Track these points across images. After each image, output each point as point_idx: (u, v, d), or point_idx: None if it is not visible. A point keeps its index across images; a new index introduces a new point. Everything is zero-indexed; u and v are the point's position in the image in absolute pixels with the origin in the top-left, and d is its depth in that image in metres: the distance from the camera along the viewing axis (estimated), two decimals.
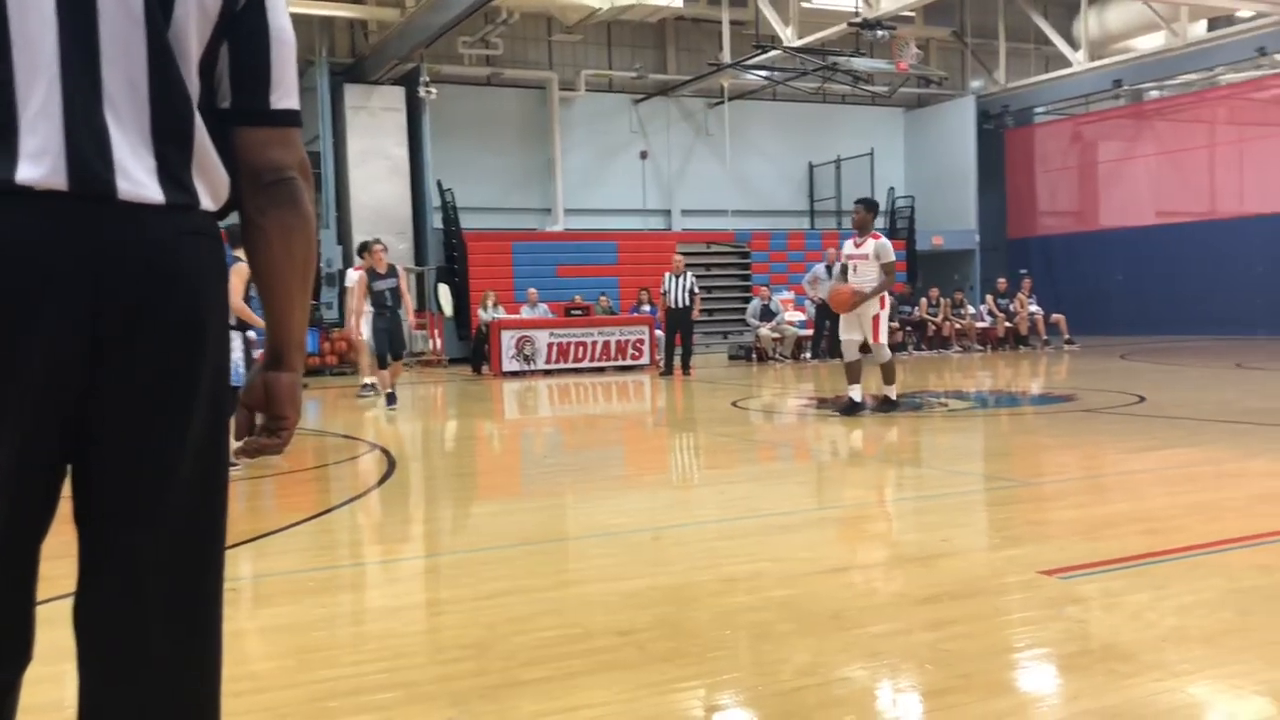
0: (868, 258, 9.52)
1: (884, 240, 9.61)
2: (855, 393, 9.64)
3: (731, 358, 20.32)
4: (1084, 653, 3.20)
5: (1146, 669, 3.06)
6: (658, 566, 4.43)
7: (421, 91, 20.56)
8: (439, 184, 22.24)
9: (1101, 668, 3.07)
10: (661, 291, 16.56)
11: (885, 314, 9.60)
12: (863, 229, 9.63)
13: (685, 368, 16.35)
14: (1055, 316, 20.83)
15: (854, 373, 9.67)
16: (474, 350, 18.55)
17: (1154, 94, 26.20)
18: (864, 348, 9.74)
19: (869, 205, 9.79)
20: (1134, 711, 2.78)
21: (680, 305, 16.20)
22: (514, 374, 17.00)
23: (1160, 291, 23.24)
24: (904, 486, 6.58)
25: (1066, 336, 20.38)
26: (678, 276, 16.30)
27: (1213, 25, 24.01)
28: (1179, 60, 22.99)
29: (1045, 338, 20.60)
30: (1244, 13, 21.44)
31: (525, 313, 18.80)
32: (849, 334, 9.59)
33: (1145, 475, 6.44)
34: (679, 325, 16.43)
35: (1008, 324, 20.77)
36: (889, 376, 9.60)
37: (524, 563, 4.63)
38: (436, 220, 22.05)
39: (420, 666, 3.27)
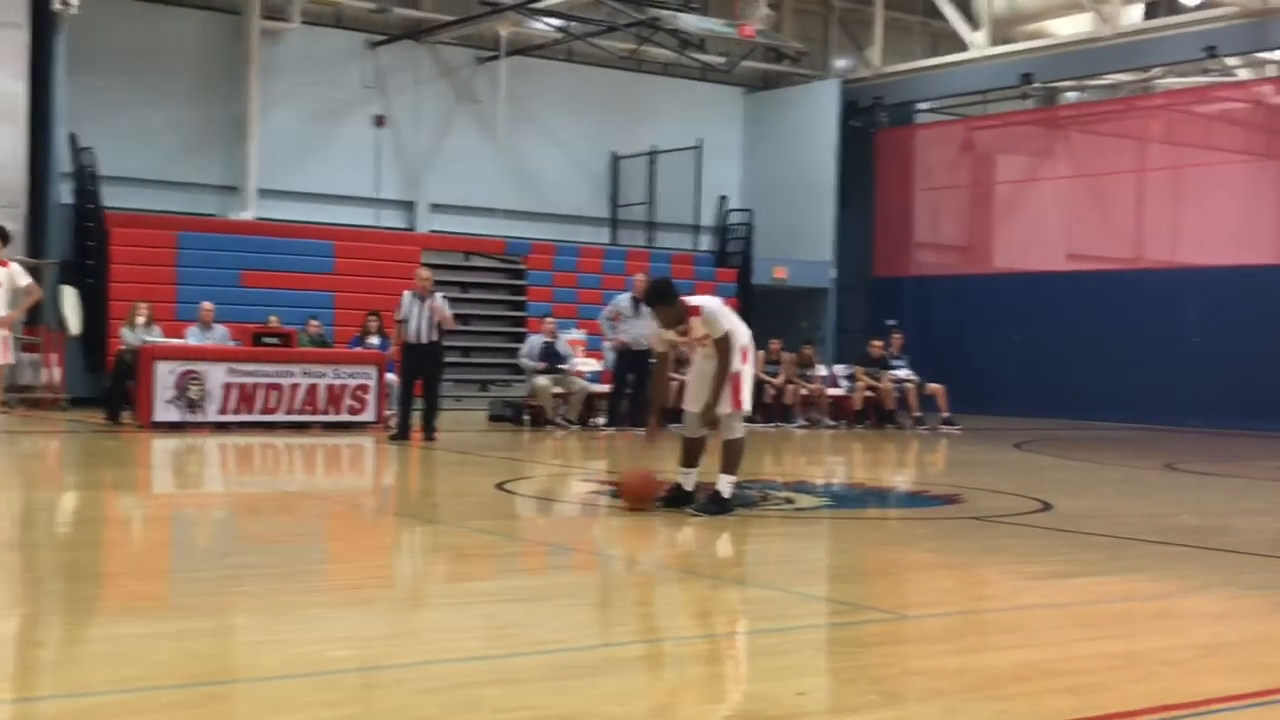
0: (702, 342, 9.57)
1: (707, 307, 9.53)
2: (688, 480, 9.76)
3: (493, 418, 20.29)
4: None
5: None
6: None
7: (56, 2, 19.86)
8: (73, 140, 21.44)
9: None
10: (398, 319, 16.41)
11: (749, 369, 9.64)
12: (680, 321, 9.56)
13: (428, 429, 16.23)
14: (932, 387, 21.78)
15: (692, 453, 9.77)
16: (111, 388, 17.95)
17: (1072, 96, 27.95)
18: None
19: (665, 297, 9.59)
20: None
21: (424, 340, 16.10)
22: (171, 426, 16.48)
23: (1070, 361, 24.64)
24: (740, 614, 6.68)
25: (945, 414, 21.34)
26: (422, 298, 16.20)
27: (1151, 12, 25.88)
28: (1107, 54, 24.63)
29: (917, 414, 21.49)
30: (1190, 1, 23.21)
31: (193, 337, 18.30)
32: (693, 404, 9.67)
33: (1057, 611, 6.73)
34: (421, 368, 16.31)
35: (869, 393, 21.57)
36: (731, 463, 9.67)
37: (204, 711, 4.46)
38: (66, 193, 21.27)
39: None
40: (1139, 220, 25.49)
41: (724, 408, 9.49)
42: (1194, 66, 24.56)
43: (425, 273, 16.73)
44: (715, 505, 9.50)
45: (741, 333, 9.58)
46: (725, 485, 9.55)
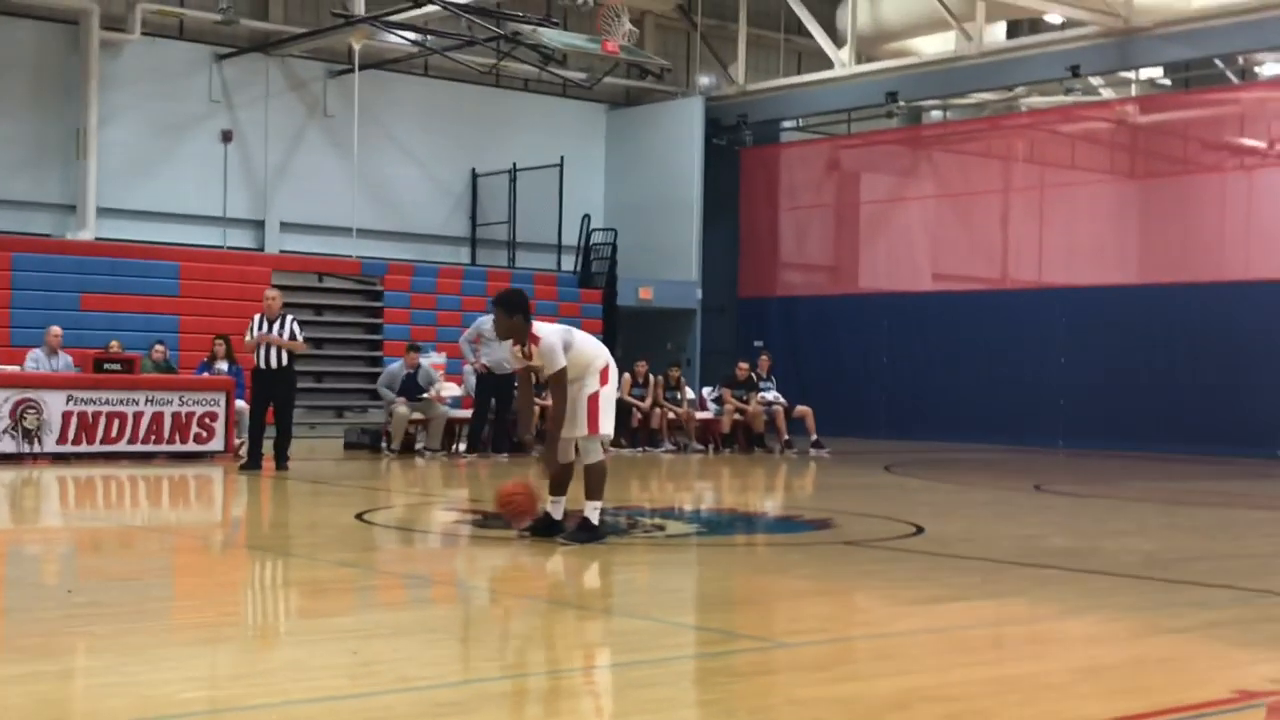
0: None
1: (546, 341, 9.39)
2: (557, 508, 9.73)
3: (349, 445, 20.09)
4: None
5: None
6: None
7: None
8: None
9: None
10: (247, 341, 16.19)
11: (609, 390, 9.62)
12: (515, 337, 9.51)
13: (280, 458, 16.03)
14: (800, 409, 22.02)
15: (561, 480, 9.76)
16: None
17: (937, 115, 28.52)
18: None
19: (509, 305, 9.55)
20: None
21: (274, 365, 15.91)
22: (4, 458, 16.07)
23: (937, 382, 25.10)
24: (613, 645, 6.69)
25: (814, 437, 21.58)
26: (273, 321, 16.01)
27: (1014, 31, 26.53)
28: (971, 73, 25.19)
29: (786, 437, 21.71)
30: (1053, 18, 23.82)
31: (37, 363, 17.86)
32: (571, 430, 9.62)
33: (934, 636, 6.83)
34: (273, 394, 16.11)
35: (737, 416, 21.74)
36: (594, 488, 9.68)
37: None
38: None
39: None
40: (1004, 240, 26.03)
41: (579, 431, 9.52)
42: (1057, 86, 25.20)
43: (274, 294, 16.53)
44: (585, 533, 9.50)
45: (599, 354, 9.62)
46: (593, 512, 9.54)
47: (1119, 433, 22.58)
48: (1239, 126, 23.96)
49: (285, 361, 15.98)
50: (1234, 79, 25.29)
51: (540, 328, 9.51)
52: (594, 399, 9.48)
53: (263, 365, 15.94)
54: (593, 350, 9.62)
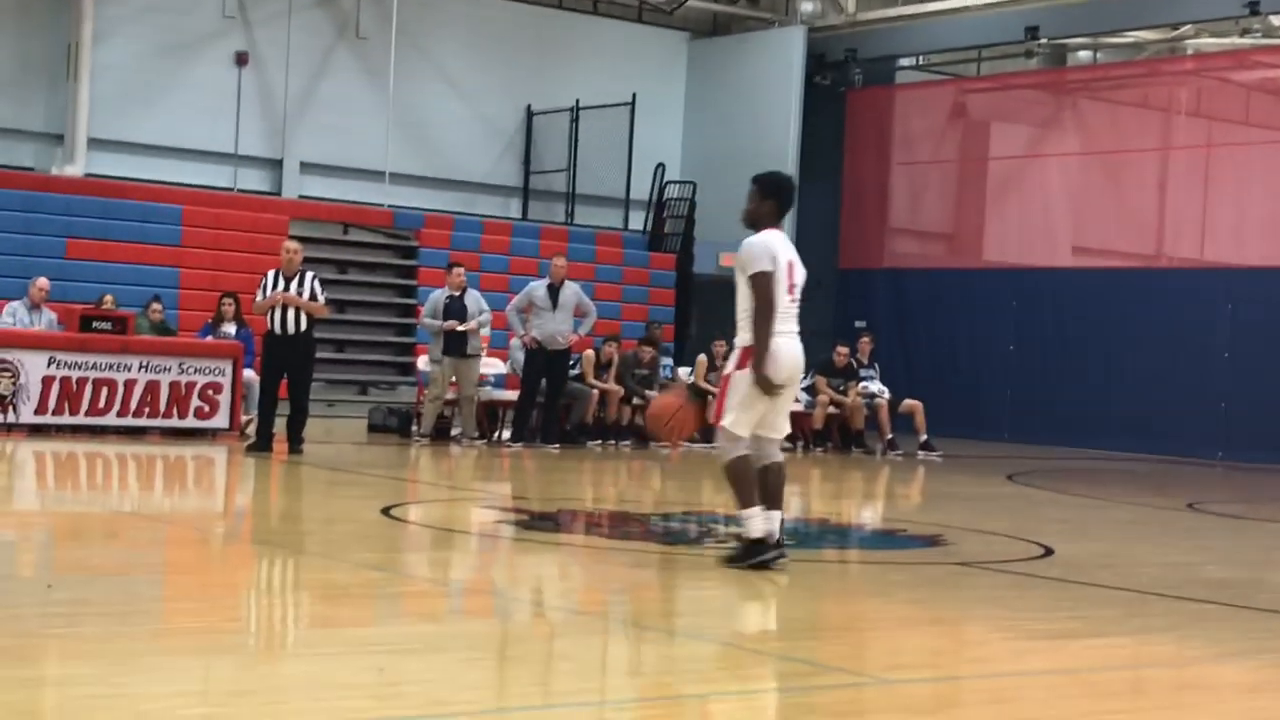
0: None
1: (751, 240, 9.27)
2: (756, 524, 9.16)
3: (374, 427, 20.20)
4: None
5: None
6: None
7: None
8: None
9: None
10: (258, 302, 16.35)
11: (745, 375, 9.11)
12: (754, 224, 9.42)
13: (294, 440, 16.16)
14: (908, 403, 21.95)
15: (746, 483, 9.26)
16: None
17: (1085, 55, 28.25)
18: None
19: (769, 185, 9.52)
20: None
21: (291, 330, 16.04)
22: None
23: (1073, 377, 24.90)
24: (679, 672, 6.72)
25: (924, 437, 21.52)
26: (289, 278, 16.16)
27: None
28: (1128, 7, 24.94)
29: (890, 436, 21.65)
30: None
31: (10, 319, 18.09)
32: (740, 424, 9.23)
33: (1062, 679, 6.80)
34: (287, 365, 16.24)
35: (832, 409, 21.70)
36: (733, 493, 9.34)
37: None
38: None
39: None
40: (1161, 209, 25.81)
41: (713, 417, 9.55)
42: (1232, 25, 24.91)
43: (293, 246, 16.65)
44: (741, 553, 9.25)
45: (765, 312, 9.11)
46: (753, 522, 9.19)
47: None
48: None
49: (304, 326, 16.11)
50: None
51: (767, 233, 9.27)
52: (726, 381, 9.27)
53: (277, 330, 16.07)
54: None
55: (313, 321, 16.31)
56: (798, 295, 9.29)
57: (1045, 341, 25.39)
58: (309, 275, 16.37)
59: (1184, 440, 23.30)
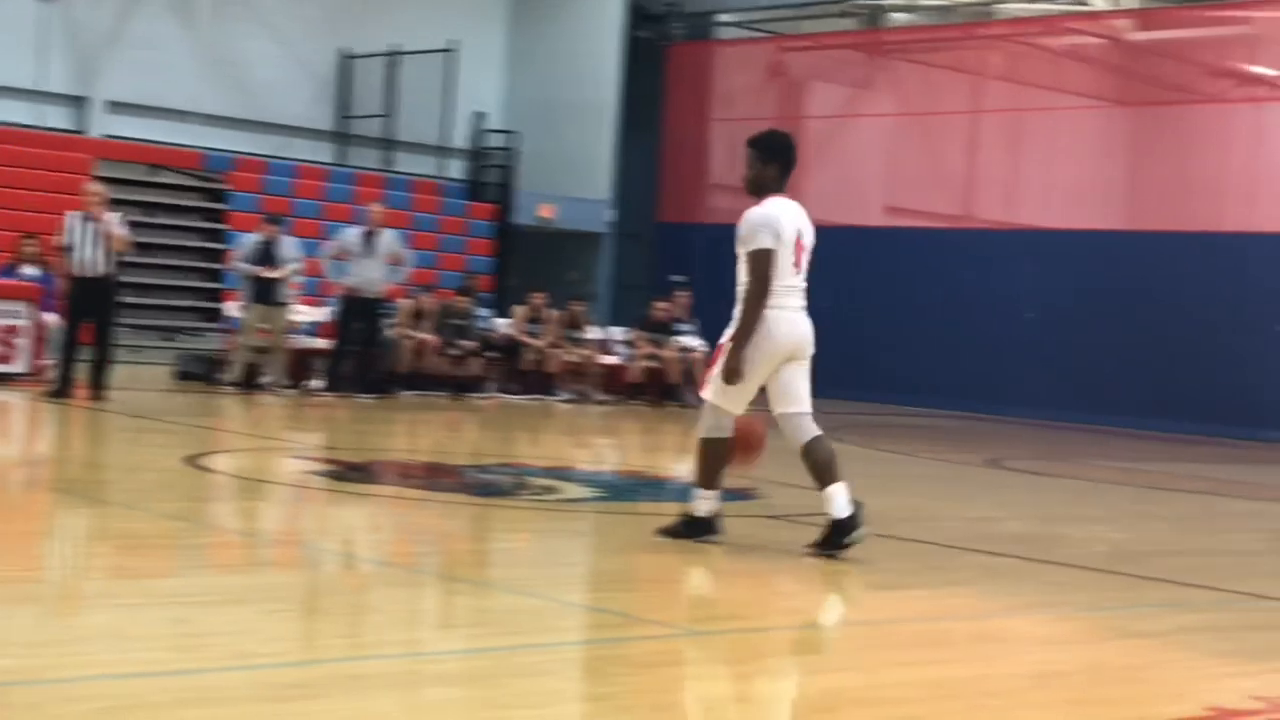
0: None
1: (754, 211, 8.70)
2: (705, 505, 8.82)
3: (182, 375, 19.89)
4: None
5: None
6: None
7: None
8: None
9: None
10: (62, 245, 15.99)
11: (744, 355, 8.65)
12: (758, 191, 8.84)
13: (98, 385, 15.87)
14: None
15: (714, 464, 8.93)
16: None
17: (900, 18, 28.54)
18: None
19: (767, 147, 8.96)
20: None
21: (95, 272, 15.75)
22: None
23: (884, 334, 25.24)
24: (489, 624, 6.73)
25: None
26: (93, 220, 15.85)
27: None
28: None
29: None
30: None
31: None
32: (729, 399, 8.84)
33: (866, 630, 6.94)
34: (91, 308, 15.94)
35: (650, 363, 21.80)
36: (698, 469, 8.97)
37: None
38: None
39: None
40: (971, 171, 26.19)
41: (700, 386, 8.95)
42: None
43: (97, 187, 16.35)
44: (669, 532, 8.88)
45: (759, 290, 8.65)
46: (700, 503, 8.87)
47: (1091, 404, 22.87)
48: (1250, 51, 24.25)
49: (109, 269, 15.79)
50: None
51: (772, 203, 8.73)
52: (718, 350, 8.76)
53: (80, 273, 15.74)
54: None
55: (119, 265, 16.00)
56: (804, 266, 8.86)
57: (859, 299, 25.64)
58: (115, 219, 16.03)
59: (988, 398, 23.76)
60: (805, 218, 8.88)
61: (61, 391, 15.77)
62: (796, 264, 8.78)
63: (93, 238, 15.73)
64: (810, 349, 9.00)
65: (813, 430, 8.86)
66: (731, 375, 8.57)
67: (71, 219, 15.85)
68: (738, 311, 8.60)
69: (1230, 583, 8.82)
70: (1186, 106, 24.50)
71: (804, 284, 8.87)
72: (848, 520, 8.44)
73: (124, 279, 16.51)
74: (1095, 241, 23.64)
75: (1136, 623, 7.46)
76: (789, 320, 8.72)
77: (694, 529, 8.73)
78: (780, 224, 8.59)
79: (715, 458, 8.85)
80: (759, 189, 8.78)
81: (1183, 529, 12.09)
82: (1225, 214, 22.97)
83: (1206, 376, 22.06)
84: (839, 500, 8.49)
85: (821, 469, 8.66)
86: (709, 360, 8.84)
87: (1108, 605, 7.99)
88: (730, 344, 8.58)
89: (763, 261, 8.50)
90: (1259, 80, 23.99)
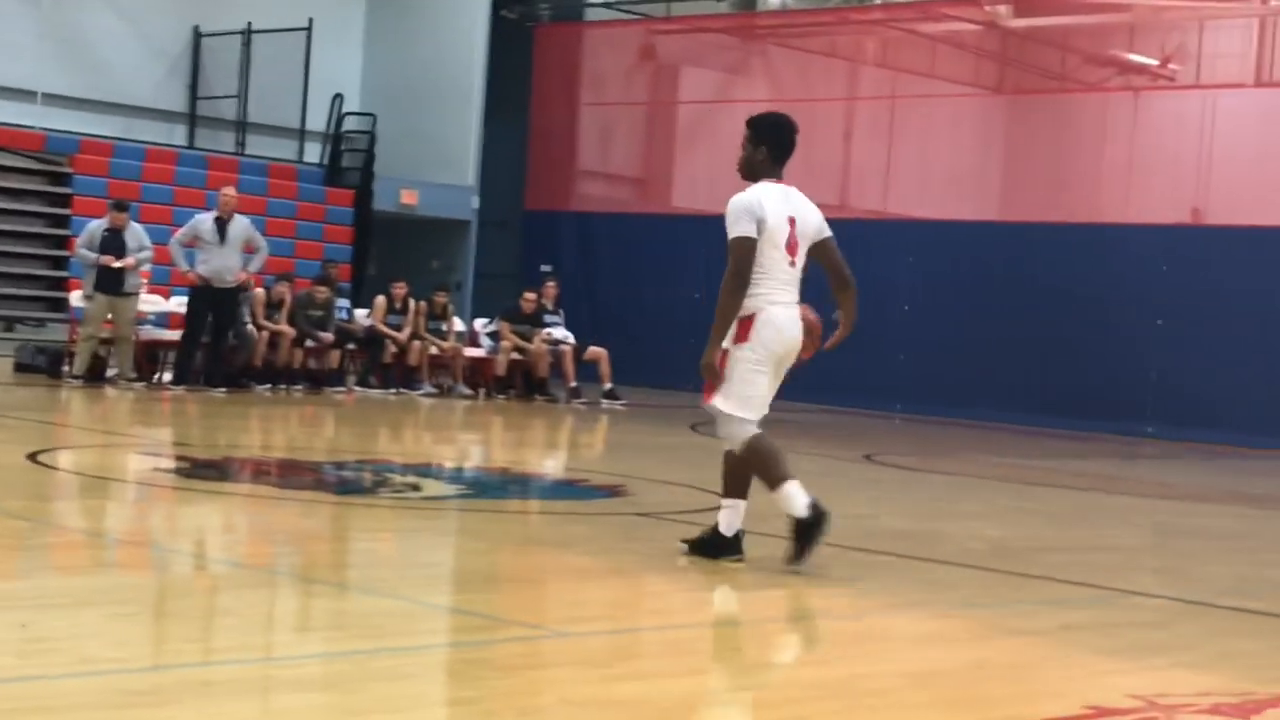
0: None
1: (737, 196, 8.42)
2: (798, 502, 8.22)
3: (20, 367, 19.59)
4: None
5: None
6: None
7: None
8: None
9: None
10: None
11: (749, 356, 8.30)
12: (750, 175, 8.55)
13: None
14: (593, 351, 22.16)
15: (770, 461, 8.41)
16: None
17: (775, 1, 28.69)
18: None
19: (761, 128, 8.76)
20: None
21: None
22: None
23: None
24: (350, 627, 6.69)
25: (608, 386, 21.75)
26: None
27: None
28: None
29: (574, 384, 21.80)
30: None
31: None
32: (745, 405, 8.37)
33: (739, 630, 6.98)
34: None
35: (516, 355, 21.76)
36: (726, 482, 8.62)
37: None
38: None
39: None
40: (846, 160, 26.37)
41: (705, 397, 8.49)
42: None
43: None
44: (699, 548, 8.55)
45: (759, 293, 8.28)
46: (728, 517, 8.56)
47: (967, 399, 23.06)
48: (1129, 40, 24.63)
49: None
50: None
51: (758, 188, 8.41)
52: (724, 358, 8.30)
53: None
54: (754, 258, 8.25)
55: None
56: (800, 257, 8.43)
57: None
58: None
59: (864, 393, 23.92)
60: (805, 204, 8.49)
61: None
62: (791, 252, 8.34)
63: None
64: (797, 350, 8.49)
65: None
66: (707, 370, 8.24)
67: None
68: (745, 306, 8.22)
69: (1110, 580, 8.94)
70: (1065, 95, 24.84)
71: (800, 275, 8.45)
72: (812, 521, 8.11)
73: None
74: (972, 232, 23.87)
75: (1016, 620, 7.54)
76: (791, 318, 8.32)
77: (805, 531, 8.15)
78: (764, 209, 8.19)
79: (766, 456, 8.33)
80: (750, 172, 8.48)
81: (1062, 525, 12.24)
82: (1104, 205, 23.28)
83: (1086, 371, 22.33)
84: (797, 500, 8.14)
85: (777, 467, 8.28)
86: (718, 370, 8.25)
87: (987, 603, 8.07)
88: (739, 347, 8.21)
89: (741, 249, 8.13)
90: (1138, 69, 24.38)
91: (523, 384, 21.93)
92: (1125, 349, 22.21)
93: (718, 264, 23.22)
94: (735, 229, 8.14)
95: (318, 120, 26.96)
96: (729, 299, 8.12)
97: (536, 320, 22.10)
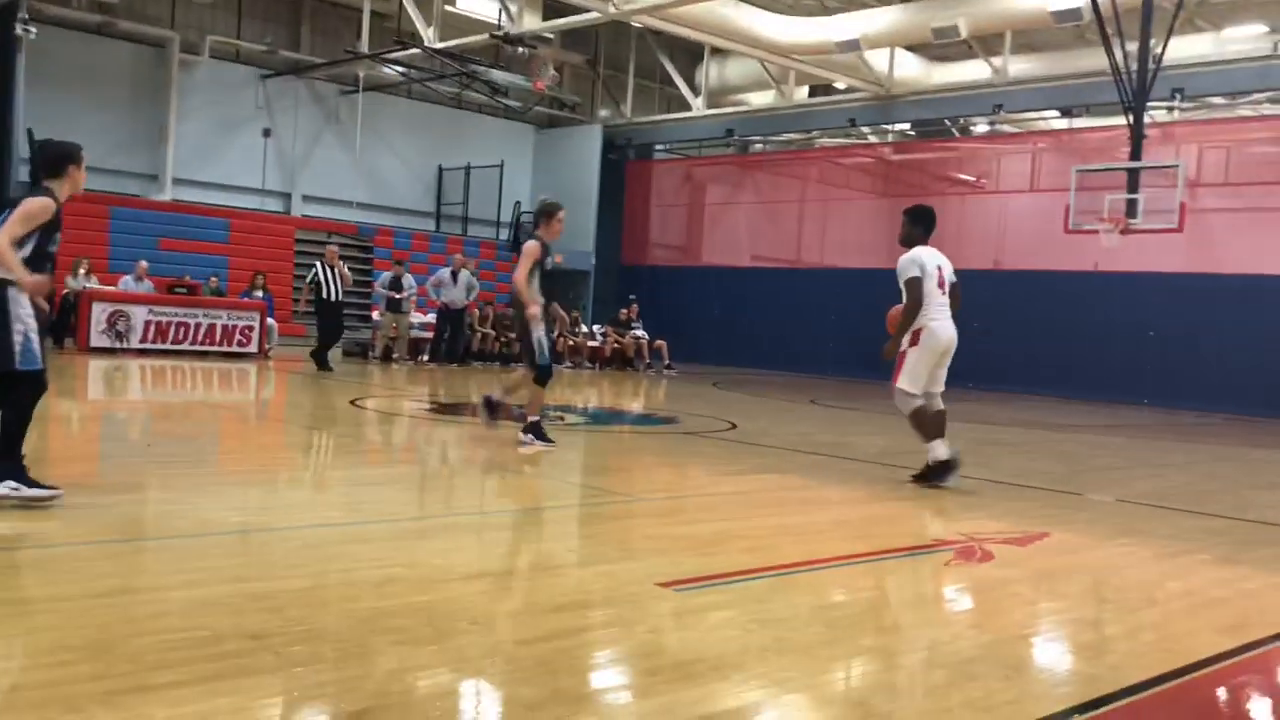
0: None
1: (904, 256, 7.71)
2: (940, 450, 7.69)
3: (346, 353, 19.81)
4: (698, 660, 3.47)
5: (755, 677, 3.38)
6: (287, 569, 4.26)
7: (19, 29, 18.40)
8: (29, 133, 19.98)
9: (715, 675, 3.35)
10: (312, 282, 16.05)
11: (917, 354, 7.65)
12: (907, 243, 7.85)
13: (320, 362, 15.84)
14: (658, 342, 22.14)
15: (928, 424, 7.75)
16: (57, 321, 16.88)
17: (759, 146, 28.57)
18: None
19: (914, 215, 7.95)
20: (744, 716, 3.07)
21: (337, 299, 15.94)
22: (103, 350, 15.63)
23: (749, 328, 25.32)
24: (524, 496, 6.74)
25: (667, 361, 21.73)
26: (332, 266, 15.98)
27: (814, 92, 26.64)
28: (783, 119, 25.26)
29: (648, 361, 21.82)
30: (840, 84, 23.98)
31: (128, 286, 17.36)
32: (915, 384, 7.71)
33: (740, 497, 6.99)
34: (335, 317, 16.32)
35: (616, 344, 21.80)
36: (920, 431, 7.79)
37: (135, 560, 4.30)
38: (23, 173, 19.83)
39: (22, 670, 2.97)
40: (800, 234, 26.20)
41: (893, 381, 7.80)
42: (841, 131, 25.42)
43: (334, 248, 16.50)
44: (923, 478, 7.80)
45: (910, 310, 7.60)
46: (934, 450, 7.73)
47: (870, 364, 22.79)
48: (958, 165, 24.38)
49: (342, 296, 16.09)
50: (955, 133, 25.50)
51: (918, 249, 7.76)
52: (902, 357, 7.72)
53: (329, 298, 16.05)
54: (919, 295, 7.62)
55: (340, 292, 16.05)
56: (948, 289, 7.74)
57: (735, 307, 25.67)
58: (342, 266, 16.23)
59: (808, 362, 23.79)
60: (944, 259, 7.81)
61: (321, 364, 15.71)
62: (941, 287, 7.69)
63: (332, 276, 15.79)
64: (954, 346, 7.77)
65: (940, 404, 7.85)
66: (889, 352, 7.67)
67: (319, 265, 15.91)
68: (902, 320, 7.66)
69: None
70: (923, 195, 24.51)
71: (948, 300, 7.73)
72: (946, 463, 7.63)
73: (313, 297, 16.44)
74: (871, 274, 23.55)
75: (894, 491, 7.49)
76: (944, 328, 7.66)
77: (939, 470, 7.65)
78: (923, 261, 7.62)
79: (925, 420, 7.72)
80: (909, 241, 7.81)
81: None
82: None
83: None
84: (939, 450, 7.66)
85: (930, 428, 7.73)
86: (899, 363, 7.70)
87: (877, 481, 8.04)
88: (913, 348, 7.65)
89: (913, 287, 7.56)
90: (964, 182, 24.12)
91: (619, 361, 21.97)
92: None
93: (727, 293, 22.92)
94: (907, 274, 7.57)
95: (506, 216, 27.04)
96: (910, 316, 7.58)
97: (627, 325, 22.11)
